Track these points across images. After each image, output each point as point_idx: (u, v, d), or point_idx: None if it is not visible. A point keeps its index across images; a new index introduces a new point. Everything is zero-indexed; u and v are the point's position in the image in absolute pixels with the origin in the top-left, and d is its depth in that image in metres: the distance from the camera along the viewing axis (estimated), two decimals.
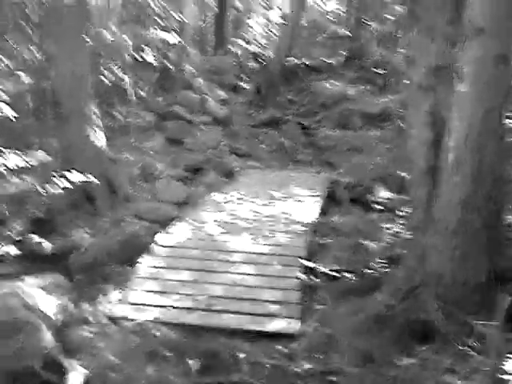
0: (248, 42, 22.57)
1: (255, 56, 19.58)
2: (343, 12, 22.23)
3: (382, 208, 9.88)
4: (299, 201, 7.96)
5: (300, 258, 5.73)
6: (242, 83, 15.96)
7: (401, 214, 9.84)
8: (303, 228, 6.64)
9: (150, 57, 13.25)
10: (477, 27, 3.19)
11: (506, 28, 3.27)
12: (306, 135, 12.94)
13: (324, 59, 20.02)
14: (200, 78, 14.74)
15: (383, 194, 10.24)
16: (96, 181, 6.90)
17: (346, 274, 6.38)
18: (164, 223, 7.88)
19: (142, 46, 13.41)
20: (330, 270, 6.37)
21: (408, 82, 4.38)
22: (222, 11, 19.25)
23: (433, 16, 3.96)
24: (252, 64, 18.38)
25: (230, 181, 9.56)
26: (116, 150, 10.04)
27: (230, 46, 19.95)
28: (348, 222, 8.86)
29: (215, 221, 6.81)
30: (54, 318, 4.23)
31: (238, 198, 7.99)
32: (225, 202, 7.79)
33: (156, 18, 14.26)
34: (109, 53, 12.64)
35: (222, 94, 13.88)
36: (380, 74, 14.60)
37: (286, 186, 8.84)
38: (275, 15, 24.11)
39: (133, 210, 8.05)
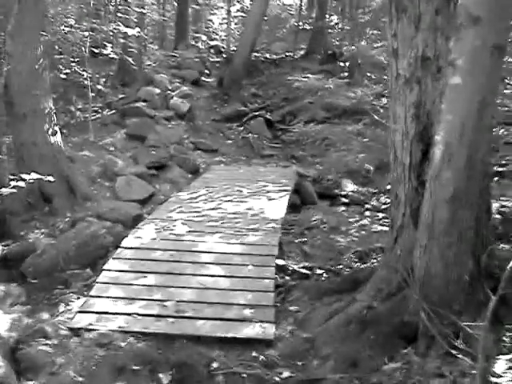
0: (209, 37, 22.20)
1: (217, 50, 19.25)
2: (301, 5, 22.04)
3: (348, 202, 9.74)
4: (268, 197, 7.66)
5: (272, 256, 5.43)
6: (204, 78, 15.57)
7: (368, 206, 9.76)
8: (274, 225, 6.33)
9: (108, 50, 12.72)
10: (473, 16, 2.94)
11: (504, 17, 3.03)
12: (271, 129, 12.67)
13: (285, 53, 19.88)
14: (162, 72, 14.28)
15: (350, 187, 10.09)
16: (53, 180, 6.57)
17: (319, 272, 6.16)
18: (127, 223, 7.53)
19: (101, 40, 12.87)
20: (303, 268, 6.13)
21: (389, 74, 4.11)
22: (183, 5, 18.78)
23: (419, 5, 3.70)
24: (214, 58, 18.03)
25: (196, 177, 9.19)
26: (74, 148, 9.55)
27: (191, 41, 19.54)
28: (316, 216, 8.69)
29: (182, 220, 6.43)
30: (5, 335, 3.80)
31: (206, 196, 7.62)
32: (192, 200, 7.40)
33: (115, 11, 13.75)
34: (66, 48, 12.08)
35: (184, 88, 13.43)
36: (344, 66, 14.45)
37: (254, 181, 8.53)
38: (236, 9, 23.85)
39: (93, 210, 7.63)
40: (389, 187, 10.27)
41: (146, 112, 11.50)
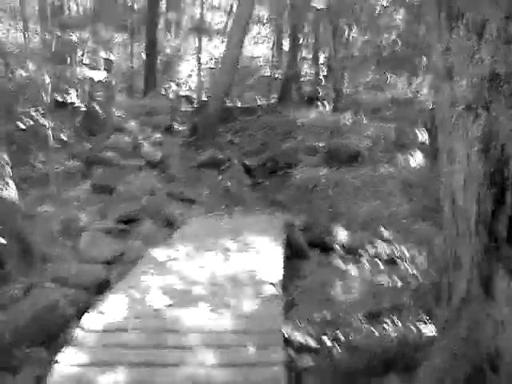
0: (179, 85, 21.30)
1: (187, 100, 18.34)
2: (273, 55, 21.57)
3: (342, 251, 8.58)
4: (258, 252, 6.39)
5: (278, 332, 4.15)
6: (176, 126, 14.47)
7: (364, 255, 8.58)
8: (273, 289, 5.06)
9: (73, 98, 11.57)
10: None
11: None
12: (250, 176, 11.53)
13: (258, 101, 19.12)
14: (131, 120, 13.13)
15: (342, 234, 8.94)
16: (4, 241, 5.35)
17: (328, 343, 4.90)
18: (92, 289, 6.24)
19: (65, 86, 11.71)
20: (309, 337, 4.89)
21: (439, 100, 3.01)
22: (152, 55, 17.88)
23: (482, 10, 2.63)
24: (185, 108, 17.04)
25: (173, 231, 7.87)
26: (32, 203, 8.19)
27: (160, 90, 18.56)
28: (312, 271, 7.49)
29: (160, 287, 5.08)
30: None
31: (186, 254, 6.30)
32: (169, 260, 6.07)
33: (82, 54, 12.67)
34: (26, 94, 10.86)
35: (156, 136, 12.26)
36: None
37: (240, 233, 7.27)
38: (205, 60, 23.18)
39: (52, 274, 6.38)
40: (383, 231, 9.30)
41: (115, 161, 10.25)
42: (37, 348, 4.82)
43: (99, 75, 10.62)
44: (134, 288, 5.05)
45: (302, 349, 4.74)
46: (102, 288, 6.43)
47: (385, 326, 5.33)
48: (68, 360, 3.74)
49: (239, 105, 18.53)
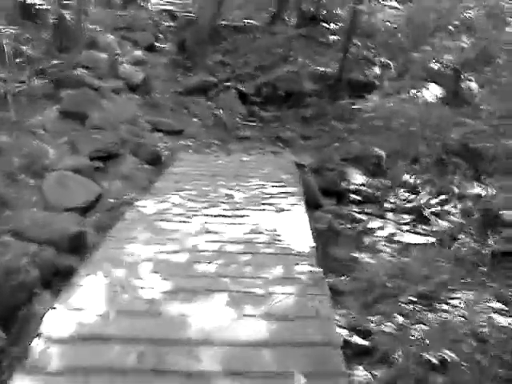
0: None
1: (171, 14, 16.06)
2: None
3: (361, 199, 7.18)
4: (273, 205, 4.90)
5: (335, 349, 2.72)
6: (159, 43, 12.41)
7: (387, 205, 7.21)
8: (308, 266, 3.59)
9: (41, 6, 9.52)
10: None
11: None
12: (246, 104, 9.83)
13: (247, 20, 16.92)
14: (109, 34, 11.05)
15: (359, 179, 7.51)
16: None
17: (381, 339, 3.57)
18: (61, 245, 4.80)
19: None
20: (358, 332, 3.57)
21: None
22: None
23: None
24: (167, 22, 14.82)
25: (160, 172, 6.28)
26: None
27: (140, 1, 16.19)
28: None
29: (152, 263, 3.57)
30: None
31: (181, 206, 4.77)
32: (161, 216, 4.53)
33: None
34: None
35: (137, 53, 10.30)
36: (329, 29, 11.67)
37: (244, 178, 5.75)
38: None
39: (12, 224, 4.82)
40: (407, 178, 7.88)
41: (88, 82, 8.40)
42: None
43: None
44: (115, 263, 3.53)
45: (348, 348, 3.40)
46: (73, 243, 4.99)
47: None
48: None
49: (228, 23, 16.39)
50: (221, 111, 9.20)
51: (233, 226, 4.27)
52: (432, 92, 10.23)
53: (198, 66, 10.37)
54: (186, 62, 10.62)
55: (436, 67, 10.43)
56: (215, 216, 4.50)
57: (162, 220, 4.39)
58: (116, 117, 7.59)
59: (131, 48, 10.77)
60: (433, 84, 10.22)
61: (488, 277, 4.98)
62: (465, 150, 8.17)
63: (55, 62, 9.44)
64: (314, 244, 3.99)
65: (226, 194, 5.09)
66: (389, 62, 10.26)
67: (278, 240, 3.98)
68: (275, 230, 4.18)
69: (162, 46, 12.26)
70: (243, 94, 10.00)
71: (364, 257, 5.52)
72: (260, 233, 4.13)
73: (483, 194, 7.16)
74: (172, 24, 14.35)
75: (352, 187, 7.20)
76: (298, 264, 3.60)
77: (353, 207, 6.85)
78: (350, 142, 8.18)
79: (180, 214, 4.56)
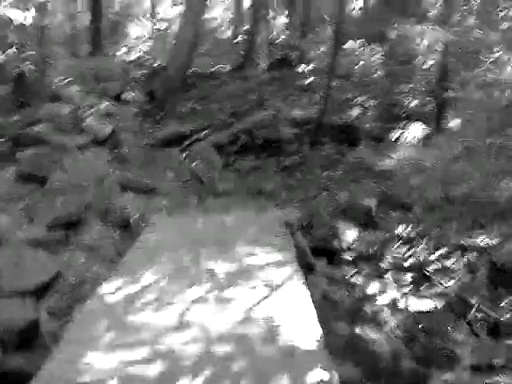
0: (129, 50, 18.34)
1: (139, 63, 15.50)
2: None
3: (354, 258, 6.41)
4: (264, 280, 4.07)
5: None
6: (127, 94, 11.68)
7: (383, 265, 6.45)
8: (319, 370, 2.76)
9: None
10: None
11: None
12: (222, 154, 9.07)
13: (217, 66, 16.47)
14: (74, 85, 10.27)
15: (351, 234, 6.75)
16: None
17: None
18: (9, 341, 3.94)
19: None
20: None
21: None
22: (97, 11, 14.81)
23: None
24: (136, 73, 14.18)
25: (131, 239, 5.41)
26: None
27: (108, 52, 15.61)
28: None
29: (113, 381, 2.68)
30: None
31: (156, 289, 3.90)
32: (131, 304, 3.65)
33: None
34: None
35: (104, 105, 9.52)
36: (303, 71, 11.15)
37: (227, 243, 4.92)
38: (159, 20, 20.35)
39: None
40: (401, 229, 7.16)
41: (50, 139, 7.57)
42: None
43: (27, 15, 7.72)
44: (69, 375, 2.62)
45: None
46: (25, 336, 4.14)
47: None
48: None
49: (198, 70, 15.87)
50: (196, 163, 8.42)
51: (219, 315, 3.42)
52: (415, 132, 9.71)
53: (169, 115, 9.66)
54: (156, 111, 9.89)
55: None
56: (196, 301, 3.65)
57: (129, 312, 3.51)
58: (80, 177, 6.72)
59: (98, 99, 9.99)
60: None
61: None
62: (462, 197, 7.53)
63: (14, 118, 8.62)
64: (321, 333, 3.16)
65: (208, 270, 4.25)
66: (370, 103, 9.73)
67: (277, 333, 3.14)
68: (272, 319, 3.35)
69: (132, 94, 11.54)
70: (219, 144, 9.26)
71: (368, 333, 4.73)
72: (254, 323, 3.28)
73: (487, 245, 6.47)
74: (140, 73, 13.72)
75: (344, 245, 6.45)
76: (307, 370, 2.76)
77: (347, 267, 6.08)
78: (338, 192, 7.45)
79: (153, 301, 3.69)
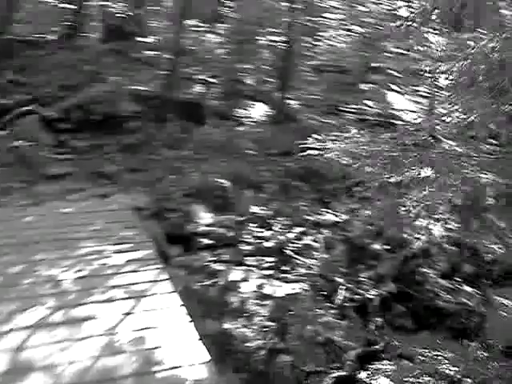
0: None
1: None
2: None
3: (213, 243, 5.90)
4: (124, 287, 3.32)
5: None
6: None
7: (244, 248, 6.06)
8: None
9: None
10: None
11: None
12: (53, 132, 7.80)
13: (37, 34, 14.43)
14: None
15: (206, 217, 6.24)
16: None
17: None
18: None
19: None
20: None
21: None
22: None
23: None
24: None
25: None
26: None
27: None
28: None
29: None
30: None
31: None
32: None
33: None
34: None
35: None
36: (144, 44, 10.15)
37: (70, 242, 4.01)
38: None
39: None
40: (256, 210, 6.83)
41: None
42: None
43: None
44: None
45: None
46: None
47: None
48: None
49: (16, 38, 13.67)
50: (21, 142, 7.07)
51: (71, 346, 2.60)
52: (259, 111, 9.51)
53: None
54: None
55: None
56: (38, 329, 2.76)
57: None
58: None
59: None
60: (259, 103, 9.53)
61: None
62: (305, 171, 7.48)
63: None
64: (208, 355, 2.57)
65: (48, 279, 3.33)
66: (213, 80, 9.21)
67: (154, 361, 2.46)
68: (143, 340, 2.64)
69: None
70: (48, 120, 7.93)
71: (238, 327, 4.29)
72: (120, 352, 2.54)
73: (337, 221, 6.49)
74: None
75: (200, 229, 5.89)
76: None
77: (206, 254, 5.55)
78: (188, 172, 6.85)
79: None
